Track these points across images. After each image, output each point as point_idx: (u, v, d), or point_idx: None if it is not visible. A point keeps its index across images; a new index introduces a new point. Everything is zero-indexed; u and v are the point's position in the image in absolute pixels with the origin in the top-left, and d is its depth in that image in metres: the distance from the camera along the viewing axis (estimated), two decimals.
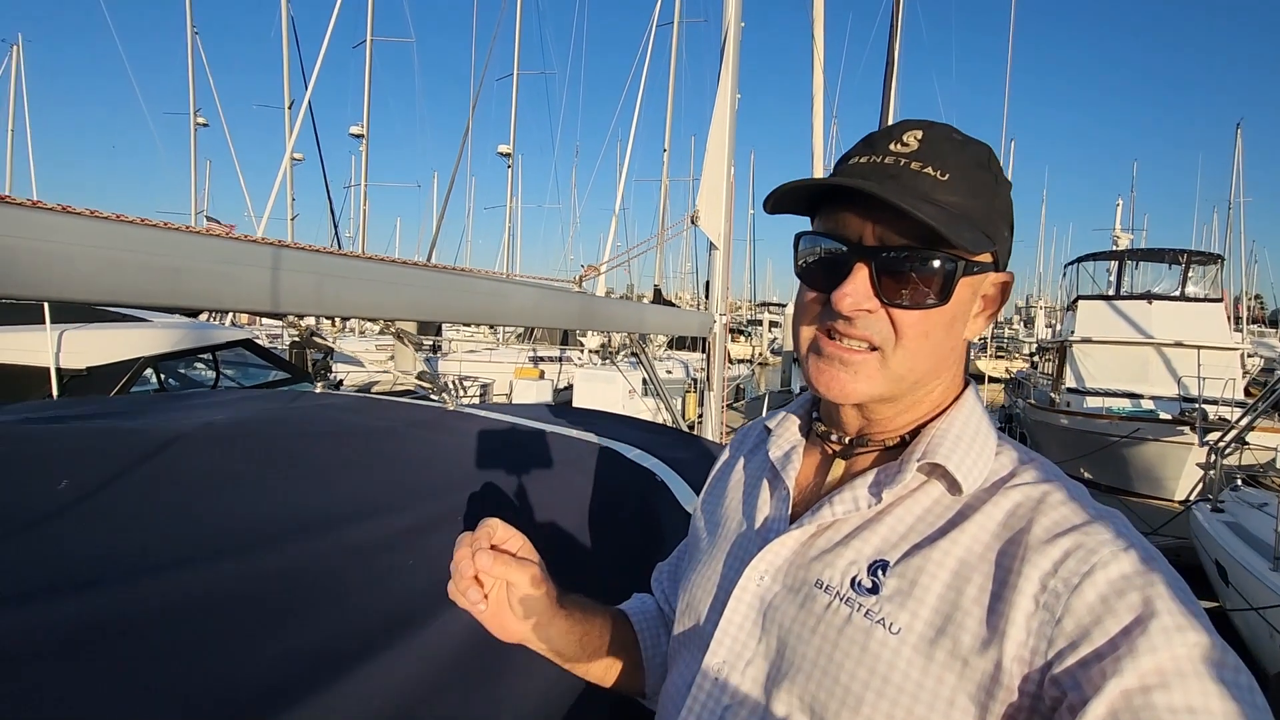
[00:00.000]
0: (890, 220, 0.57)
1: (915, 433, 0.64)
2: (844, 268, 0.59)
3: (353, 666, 0.69)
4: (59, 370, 3.27)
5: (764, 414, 0.78)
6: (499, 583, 0.68)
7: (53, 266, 0.96)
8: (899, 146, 0.60)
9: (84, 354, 3.55)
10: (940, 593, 0.55)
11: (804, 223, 0.66)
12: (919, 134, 0.60)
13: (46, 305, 3.21)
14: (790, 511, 0.67)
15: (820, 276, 0.62)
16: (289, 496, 1.04)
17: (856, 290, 0.58)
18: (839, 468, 0.68)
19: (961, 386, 0.67)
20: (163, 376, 4.26)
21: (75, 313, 3.88)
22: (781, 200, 0.63)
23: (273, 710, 0.62)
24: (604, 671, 0.80)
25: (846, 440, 0.68)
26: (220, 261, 1.15)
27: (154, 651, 0.65)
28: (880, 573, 0.58)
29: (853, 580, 0.59)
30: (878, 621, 0.56)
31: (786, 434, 0.73)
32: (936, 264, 0.57)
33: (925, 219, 0.54)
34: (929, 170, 0.58)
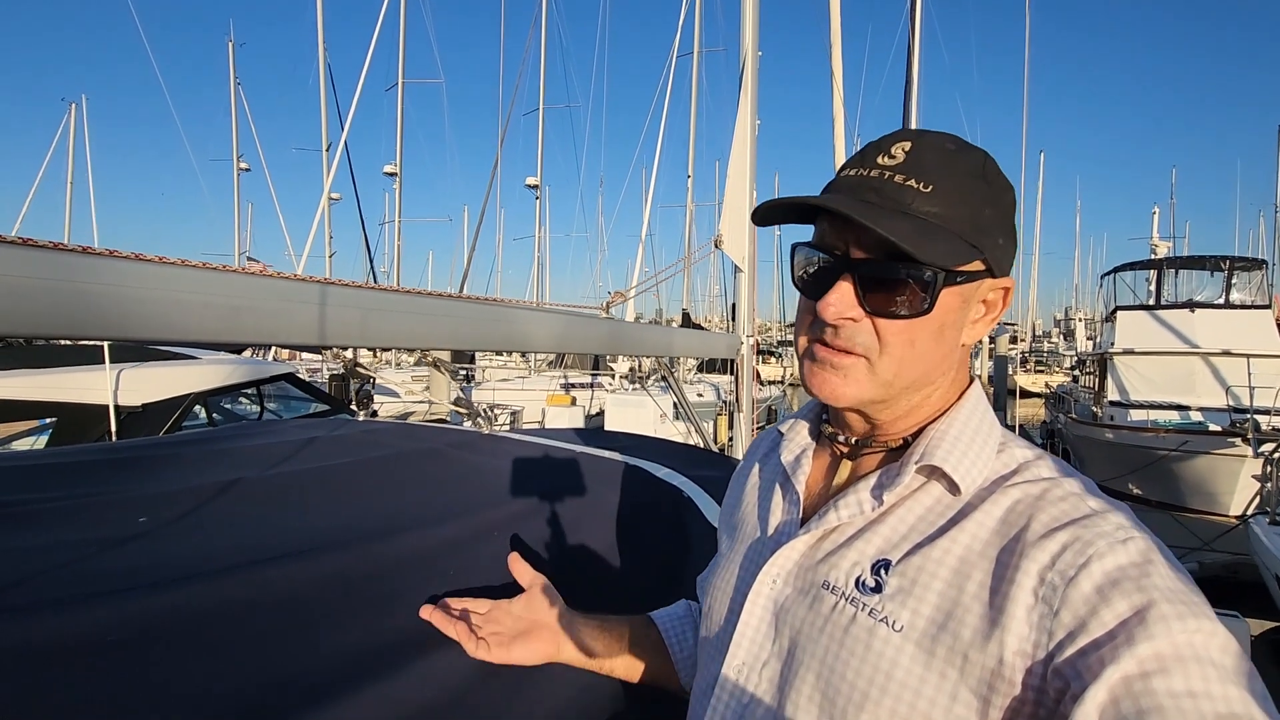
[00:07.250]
0: (870, 234, 0.58)
1: (919, 434, 0.65)
2: (830, 279, 0.61)
3: (401, 665, 0.75)
4: (117, 407, 3.47)
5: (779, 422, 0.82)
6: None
7: (125, 309, 1.06)
8: (886, 159, 0.61)
9: (139, 391, 3.75)
10: (941, 590, 0.56)
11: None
12: (907, 145, 0.61)
13: (106, 346, 3.41)
14: (801, 514, 0.69)
15: (812, 286, 0.64)
16: (341, 514, 1.11)
17: (840, 301, 0.60)
18: (845, 469, 0.69)
19: (964, 387, 0.68)
20: (211, 411, 4.45)
21: (131, 353, 4.11)
22: (770, 216, 0.66)
23: (320, 705, 0.69)
24: (628, 668, 0.87)
25: (853, 441, 0.69)
26: (273, 299, 1.24)
27: (214, 645, 0.73)
28: (883, 572, 0.60)
29: (857, 580, 0.61)
30: (881, 620, 0.57)
31: (798, 438, 0.75)
32: (915, 276, 0.58)
33: (888, 235, 0.56)
34: (911, 183, 0.59)
